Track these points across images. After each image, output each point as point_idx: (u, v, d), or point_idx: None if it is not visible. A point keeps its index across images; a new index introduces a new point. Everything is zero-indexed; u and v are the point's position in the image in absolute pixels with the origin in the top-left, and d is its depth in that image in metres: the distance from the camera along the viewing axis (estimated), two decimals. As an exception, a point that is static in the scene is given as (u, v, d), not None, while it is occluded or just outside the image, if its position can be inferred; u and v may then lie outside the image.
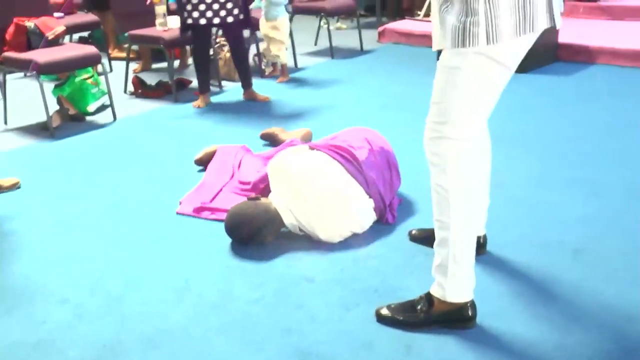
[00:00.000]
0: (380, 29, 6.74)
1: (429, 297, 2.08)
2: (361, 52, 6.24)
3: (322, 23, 6.64)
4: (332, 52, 6.03)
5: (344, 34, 6.76)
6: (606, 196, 2.97)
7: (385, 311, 2.12)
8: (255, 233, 2.56)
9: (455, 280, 2.02)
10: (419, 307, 2.08)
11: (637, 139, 3.73)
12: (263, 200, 2.65)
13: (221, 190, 3.10)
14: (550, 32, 5.56)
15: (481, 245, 2.43)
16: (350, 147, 2.75)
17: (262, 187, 2.94)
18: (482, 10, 1.82)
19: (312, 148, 2.84)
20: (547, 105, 4.48)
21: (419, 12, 7.04)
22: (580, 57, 5.64)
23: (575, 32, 5.95)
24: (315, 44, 6.53)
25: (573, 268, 2.37)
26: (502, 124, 4.05)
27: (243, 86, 4.75)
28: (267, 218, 2.58)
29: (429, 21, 6.49)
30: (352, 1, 6.11)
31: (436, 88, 1.99)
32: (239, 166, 3.26)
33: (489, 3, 1.81)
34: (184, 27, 4.46)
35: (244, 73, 4.71)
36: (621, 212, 2.80)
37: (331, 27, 6.74)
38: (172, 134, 4.09)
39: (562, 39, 5.71)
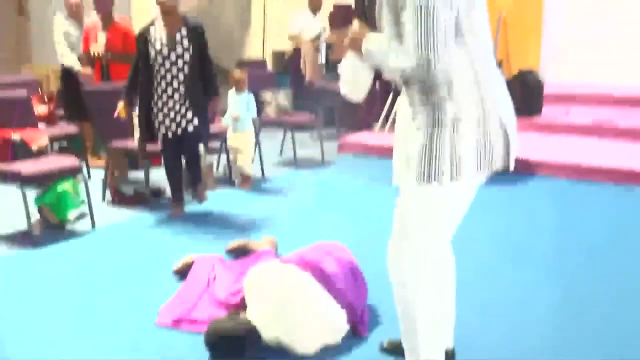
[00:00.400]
0: (340, 141, 7.16)
1: None
2: (323, 163, 6.62)
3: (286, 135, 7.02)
4: (297, 162, 6.37)
5: (306, 145, 7.15)
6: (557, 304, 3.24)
7: None
8: (235, 348, 2.69)
9: None
10: None
11: (581, 250, 4.08)
12: (242, 315, 2.82)
13: (199, 300, 3.24)
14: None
15: (449, 358, 2.55)
16: (319, 261, 2.99)
17: (237, 302, 3.08)
18: (447, 146, 2.04)
19: (284, 263, 3.05)
20: (488, 217, 4.81)
21: (375, 125, 7.47)
22: (521, 169, 6.07)
23: (522, 144, 6.42)
24: (280, 155, 6.86)
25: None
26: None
27: (193, 183, 4.90)
28: (247, 333, 2.71)
29: (385, 133, 6.96)
30: (315, 116, 6.52)
31: (399, 213, 2.22)
32: (214, 278, 3.40)
33: (454, 139, 2.04)
34: (146, 138, 4.69)
35: (196, 183, 4.88)
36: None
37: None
38: (149, 243, 4.27)
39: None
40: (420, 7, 1.96)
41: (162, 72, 4.54)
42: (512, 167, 2.18)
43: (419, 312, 2.19)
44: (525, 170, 6.07)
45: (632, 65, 8.76)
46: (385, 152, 6.65)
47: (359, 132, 7.51)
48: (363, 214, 4.88)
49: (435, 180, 2.06)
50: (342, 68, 2.35)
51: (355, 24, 2.23)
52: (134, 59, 4.63)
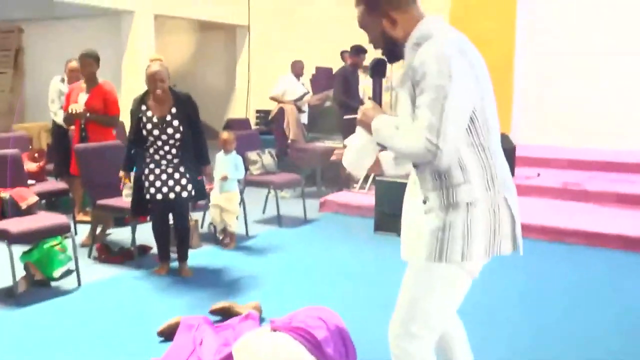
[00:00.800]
0: (322, 200, 7.28)
1: None
2: (305, 221, 6.72)
3: (270, 194, 7.12)
4: (280, 221, 6.45)
5: (288, 203, 7.23)
6: None
7: None
8: None
9: None
10: None
11: (549, 310, 4.18)
12: None
13: None
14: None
15: None
16: (308, 327, 3.05)
17: None
18: (460, 229, 2.08)
19: (274, 330, 3.09)
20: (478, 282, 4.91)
21: (355, 185, 7.58)
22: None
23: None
24: (264, 212, 6.94)
25: None
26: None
27: (179, 259, 4.89)
28: None
29: (364, 193, 7.07)
30: (298, 175, 6.63)
31: (406, 288, 2.25)
32: (200, 342, 3.38)
33: (467, 223, 2.08)
34: (140, 203, 4.76)
35: (183, 247, 4.88)
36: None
37: (283, 195, 7.23)
38: (134, 301, 4.30)
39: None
40: (441, 92, 2.01)
41: (156, 146, 4.67)
42: (521, 251, 2.24)
43: None
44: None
45: (601, 130, 9.06)
46: (366, 212, 6.78)
47: (339, 192, 7.63)
48: (347, 273, 4.97)
49: (446, 260, 2.11)
50: (348, 147, 2.41)
51: (368, 103, 2.31)
52: (122, 125, 4.73)
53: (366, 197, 7.15)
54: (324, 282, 4.74)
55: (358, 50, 7.75)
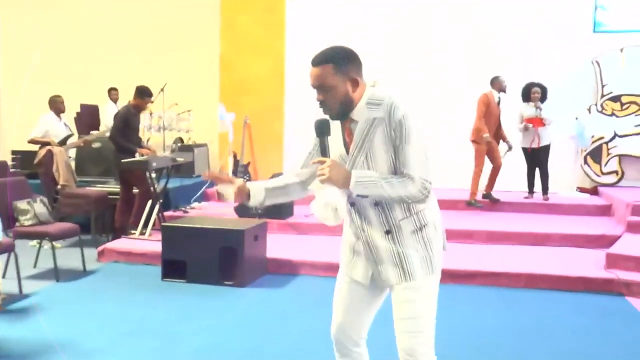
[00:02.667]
0: (100, 248, 7.06)
1: None
2: (85, 272, 6.46)
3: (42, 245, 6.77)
4: (57, 274, 6.12)
5: (62, 254, 6.80)
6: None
7: None
8: None
9: None
10: None
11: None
12: None
13: None
14: (261, 247, 6.47)
15: None
16: None
17: None
18: (435, 241, 2.69)
19: None
20: (266, 319, 5.19)
21: (133, 232, 7.47)
22: (286, 269, 6.59)
23: (280, 246, 6.96)
24: (35, 267, 6.53)
25: None
26: (227, 342, 4.62)
27: None
28: None
29: (145, 239, 7.00)
30: (76, 224, 6.37)
31: (416, 311, 2.68)
32: None
33: (438, 236, 2.71)
34: None
35: None
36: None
37: (45, 247, 6.81)
38: None
39: (270, 253, 6.63)
40: (422, 143, 2.58)
41: None
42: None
43: None
44: (290, 270, 6.57)
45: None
46: (151, 259, 6.73)
47: (117, 239, 7.44)
48: (142, 327, 4.92)
49: (438, 269, 2.71)
50: (316, 208, 2.56)
51: (329, 161, 2.53)
52: None
53: (149, 244, 7.08)
54: (122, 341, 4.62)
55: (144, 93, 7.68)
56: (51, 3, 11.77)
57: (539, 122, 8.73)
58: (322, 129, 2.66)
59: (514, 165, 9.14)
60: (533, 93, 8.77)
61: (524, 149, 8.95)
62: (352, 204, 2.71)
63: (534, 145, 8.79)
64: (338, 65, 2.60)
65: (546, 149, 8.91)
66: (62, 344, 4.49)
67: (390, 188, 2.54)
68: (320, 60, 2.61)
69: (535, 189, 9.09)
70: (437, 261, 2.71)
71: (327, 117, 2.68)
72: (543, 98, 8.82)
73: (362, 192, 2.56)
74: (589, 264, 6.50)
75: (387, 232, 2.66)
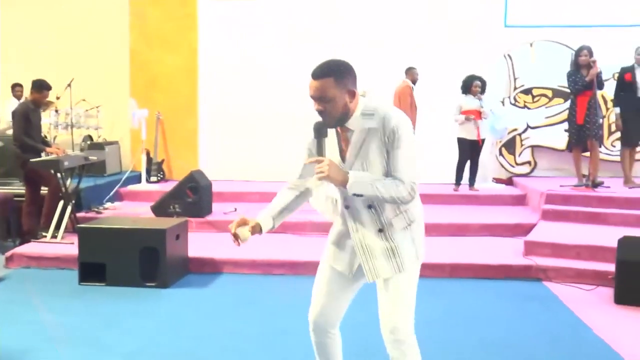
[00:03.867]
0: (8, 254, 6.87)
1: None
2: (-7, 280, 6.27)
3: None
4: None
5: None
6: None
7: None
8: None
9: None
10: None
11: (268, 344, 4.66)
12: None
13: None
14: (182, 245, 6.49)
15: None
16: None
17: None
18: (420, 234, 3.09)
19: None
20: (193, 319, 5.24)
21: (44, 234, 7.30)
22: (208, 268, 6.64)
23: (201, 245, 6.99)
24: None
25: None
26: (155, 345, 4.66)
27: None
28: None
29: (58, 242, 6.86)
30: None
31: (398, 297, 3.02)
32: None
33: (422, 229, 3.10)
34: None
35: None
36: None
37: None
38: None
39: (191, 252, 6.66)
40: (413, 149, 2.92)
41: None
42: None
43: (414, 355, 3.08)
44: (212, 269, 6.61)
45: (290, 163, 10.08)
46: (65, 263, 6.64)
47: (26, 243, 7.28)
48: (63, 335, 4.86)
49: (421, 258, 3.10)
50: (316, 202, 3.14)
51: (327, 160, 2.85)
52: None
53: (62, 247, 6.96)
54: (41, 347, 4.56)
55: (42, 86, 7.51)
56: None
57: (478, 114, 9.07)
58: (320, 132, 2.95)
59: (439, 158, 9.48)
60: (474, 86, 9.10)
61: (462, 140, 9.23)
62: (347, 207, 3.05)
63: (475, 137, 9.10)
64: (338, 79, 2.88)
65: (483, 142, 9.31)
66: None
67: (383, 188, 2.88)
68: (321, 73, 2.89)
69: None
70: (420, 252, 3.11)
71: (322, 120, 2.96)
72: (482, 91, 9.17)
73: (358, 191, 2.88)
74: (508, 252, 6.90)
75: (380, 231, 3.01)
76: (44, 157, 7.38)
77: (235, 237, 3.01)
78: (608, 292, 5.80)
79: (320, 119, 2.97)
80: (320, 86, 2.88)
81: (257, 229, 3.05)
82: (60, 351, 4.49)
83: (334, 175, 2.85)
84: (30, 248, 7.05)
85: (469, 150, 9.22)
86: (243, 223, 3.04)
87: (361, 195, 2.92)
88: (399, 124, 2.91)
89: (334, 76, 2.88)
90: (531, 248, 6.75)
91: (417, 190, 2.95)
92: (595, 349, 4.58)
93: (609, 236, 6.08)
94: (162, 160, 10.57)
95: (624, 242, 5.69)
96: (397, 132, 2.90)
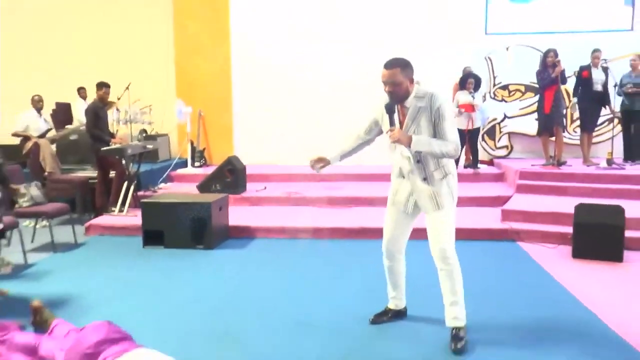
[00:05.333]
0: (87, 224, 7.17)
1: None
2: (76, 245, 6.59)
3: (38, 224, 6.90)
4: (54, 247, 6.27)
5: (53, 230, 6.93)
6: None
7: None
8: None
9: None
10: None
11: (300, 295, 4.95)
12: None
13: None
14: (224, 215, 6.74)
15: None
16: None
17: None
18: (454, 183, 3.65)
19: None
20: (233, 274, 5.50)
21: (113, 209, 7.62)
22: (245, 233, 6.93)
23: (238, 216, 7.28)
24: (32, 241, 6.64)
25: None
26: (205, 292, 4.93)
27: None
28: None
29: (124, 215, 7.16)
30: (66, 204, 6.51)
31: (441, 226, 3.60)
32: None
33: (455, 179, 3.67)
34: None
35: None
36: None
37: (38, 226, 6.92)
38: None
39: (231, 222, 6.95)
40: (453, 120, 3.56)
41: None
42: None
43: (458, 270, 3.67)
44: (248, 234, 6.93)
45: (309, 148, 10.30)
46: (131, 231, 6.94)
47: (99, 216, 7.56)
48: (135, 284, 5.16)
49: (455, 199, 3.66)
50: (396, 158, 3.72)
51: (397, 128, 3.51)
52: None
53: (128, 219, 7.27)
54: (114, 295, 4.84)
55: (102, 85, 7.74)
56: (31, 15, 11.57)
57: (470, 107, 9.11)
58: (391, 109, 3.55)
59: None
60: (468, 83, 9.09)
61: (460, 131, 9.34)
62: (418, 161, 3.60)
63: (469, 127, 9.14)
64: (403, 69, 3.50)
65: (477, 130, 9.36)
66: (67, 300, 4.70)
67: (437, 146, 3.46)
68: (392, 65, 3.51)
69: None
70: (455, 195, 3.66)
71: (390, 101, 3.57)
72: (477, 87, 9.18)
73: (419, 148, 3.48)
74: (489, 218, 7.10)
75: (424, 179, 3.60)
76: (111, 146, 7.64)
77: (314, 166, 3.72)
78: (567, 249, 6.01)
79: (388, 100, 3.56)
80: (391, 74, 3.49)
81: (328, 163, 3.78)
82: (129, 298, 4.78)
83: (402, 138, 3.46)
84: (103, 220, 7.34)
85: (466, 138, 9.12)
86: (320, 159, 3.77)
87: (421, 152, 3.51)
88: (442, 103, 3.49)
89: (400, 67, 3.49)
90: (507, 215, 6.95)
91: (460, 148, 3.51)
92: (556, 292, 4.80)
93: (569, 205, 6.24)
94: (204, 149, 10.83)
95: (579, 208, 5.89)
96: (441, 110, 3.49)
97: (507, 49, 10.37)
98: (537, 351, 3.67)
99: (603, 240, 5.69)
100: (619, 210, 5.69)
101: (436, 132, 3.51)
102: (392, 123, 3.53)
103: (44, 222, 7.19)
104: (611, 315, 4.27)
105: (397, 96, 3.52)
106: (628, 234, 5.83)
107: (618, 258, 5.66)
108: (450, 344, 3.64)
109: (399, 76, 3.47)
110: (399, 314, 4.13)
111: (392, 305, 4.13)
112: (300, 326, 4.10)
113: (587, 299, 4.61)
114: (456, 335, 3.66)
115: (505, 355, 3.61)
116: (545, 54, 8.57)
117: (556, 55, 8.43)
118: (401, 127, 3.57)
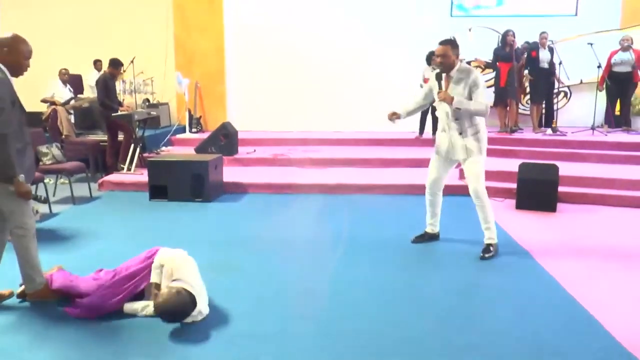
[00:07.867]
0: (100, 181, 7.39)
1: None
2: (92, 198, 6.84)
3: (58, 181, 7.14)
4: (74, 199, 6.55)
5: (67, 187, 7.05)
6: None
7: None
8: (184, 312, 3.13)
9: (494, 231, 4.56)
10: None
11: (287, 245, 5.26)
12: (178, 288, 3.13)
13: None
14: (219, 173, 7.04)
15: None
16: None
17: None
18: (484, 138, 4.40)
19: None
20: (229, 222, 5.78)
21: (122, 166, 7.84)
22: (237, 189, 7.24)
23: (231, 174, 7.56)
24: (54, 195, 6.90)
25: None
26: (205, 236, 5.25)
27: None
28: (192, 300, 3.15)
29: (133, 174, 7.43)
30: (82, 163, 6.78)
31: (474, 169, 4.42)
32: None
33: (485, 135, 4.40)
34: None
35: None
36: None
37: (58, 182, 7.19)
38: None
39: (226, 178, 7.24)
40: (484, 89, 4.31)
41: None
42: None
43: (488, 204, 4.49)
44: (240, 189, 7.26)
45: (295, 116, 10.61)
46: (139, 187, 7.20)
47: (110, 174, 7.79)
48: (142, 229, 5.47)
49: (484, 151, 4.41)
50: (440, 113, 4.50)
51: (443, 91, 4.34)
52: None
53: (136, 176, 7.51)
54: (126, 237, 5.14)
55: (117, 64, 7.95)
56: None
57: None
58: (439, 77, 4.41)
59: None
60: (433, 60, 8.98)
61: None
62: (456, 119, 4.35)
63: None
64: (452, 47, 4.34)
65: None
66: (87, 242, 5.02)
67: (473, 105, 4.27)
68: (444, 42, 4.34)
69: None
70: (484, 148, 4.43)
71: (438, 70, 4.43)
72: None
73: (459, 106, 4.27)
74: (450, 177, 7.19)
75: (460, 133, 4.40)
76: (120, 112, 7.83)
77: (390, 118, 4.46)
78: (512, 202, 6.40)
79: (438, 70, 4.40)
80: (443, 49, 4.31)
81: (398, 116, 4.59)
82: (139, 238, 5.06)
83: (447, 97, 4.31)
84: (114, 177, 7.55)
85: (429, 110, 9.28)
86: (393, 113, 4.57)
87: (459, 109, 4.26)
88: (476, 77, 4.29)
89: (451, 45, 4.33)
90: (464, 174, 7.30)
91: (489, 109, 4.32)
92: (500, 238, 4.99)
93: (517, 166, 6.47)
94: (200, 116, 10.99)
95: (522, 166, 6.28)
96: (476, 81, 4.28)
97: (470, 30, 10.62)
98: (477, 273, 4.12)
99: (541, 194, 6.10)
100: (554, 168, 6.11)
101: (471, 97, 4.26)
102: (440, 87, 4.35)
103: (62, 179, 7.48)
104: (544, 255, 4.69)
105: (445, 66, 4.32)
106: (561, 189, 6.26)
107: (552, 209, 6.09)
108: (481, 254, 4.52)
109: (449, 52, 4.28)
110: (434, 237, 4.95)
111: (429, 229, 4.94)
112: (289, 258, 4.52)
113: (525, 243, 4.97)
114: (487, 248, 4.56)
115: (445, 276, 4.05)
116: (505, 34, 8.87)
117: (513, 35, 8.74)
118: (446, 90, 4.33)
